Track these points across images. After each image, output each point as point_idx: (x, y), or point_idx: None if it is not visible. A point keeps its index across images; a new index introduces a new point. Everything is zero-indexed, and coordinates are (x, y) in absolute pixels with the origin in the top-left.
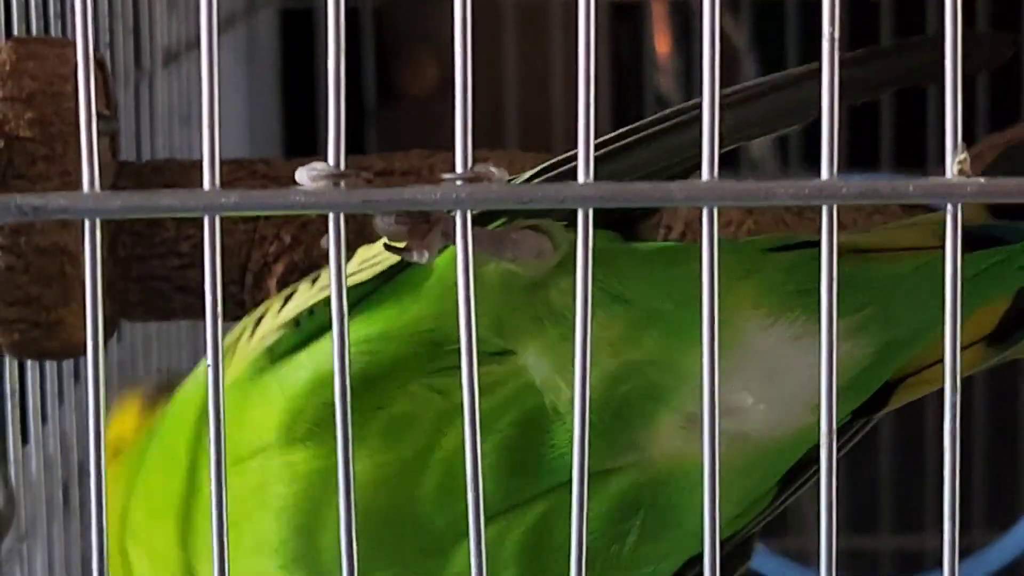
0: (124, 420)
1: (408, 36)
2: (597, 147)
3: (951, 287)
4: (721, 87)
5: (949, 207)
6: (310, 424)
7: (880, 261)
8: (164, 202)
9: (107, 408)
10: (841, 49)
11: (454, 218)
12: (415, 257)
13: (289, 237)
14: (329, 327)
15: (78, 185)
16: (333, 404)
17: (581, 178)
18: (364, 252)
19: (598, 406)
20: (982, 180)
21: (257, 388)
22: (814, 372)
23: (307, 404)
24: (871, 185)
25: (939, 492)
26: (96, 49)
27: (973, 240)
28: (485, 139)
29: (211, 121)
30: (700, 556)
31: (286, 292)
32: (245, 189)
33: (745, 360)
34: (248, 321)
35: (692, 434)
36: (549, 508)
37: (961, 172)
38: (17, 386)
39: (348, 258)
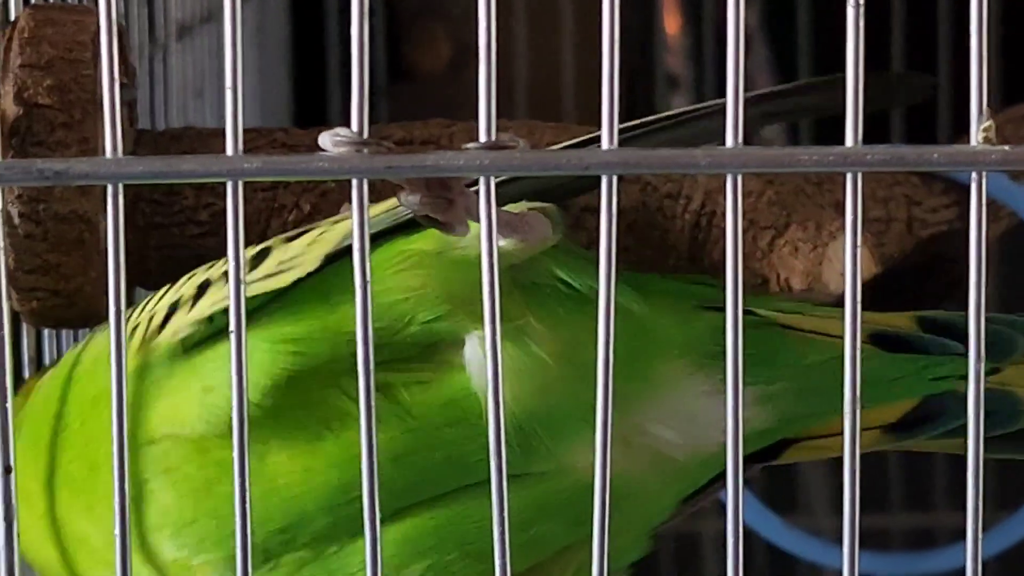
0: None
1: (419, 13)
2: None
3: (975, 254)
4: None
5: (973, 175)
6: (227, 417)
7: (801, 342)
8: (187, 167)
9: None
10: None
11: (476, 194)
12: (457, 232)
13: (308, 206)
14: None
15: (97, 153)
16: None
17: (605, 144)
18: (281, 254)
19: (530, 416)
20: (1007, 148)
21: (171, 377)
22: (722, 425)
23: (225, 398)
24: (896, 152)
25: (949, 471)
26: None
27: (899, 344)
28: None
29: (235, 85)
30: None
31: (199, 279)
32: (278, 147)
33: (664, 399)
34: (158, 307)
35: (620, 450)
36: (464, 506)
37: (987, 140)
38: (35, 354)
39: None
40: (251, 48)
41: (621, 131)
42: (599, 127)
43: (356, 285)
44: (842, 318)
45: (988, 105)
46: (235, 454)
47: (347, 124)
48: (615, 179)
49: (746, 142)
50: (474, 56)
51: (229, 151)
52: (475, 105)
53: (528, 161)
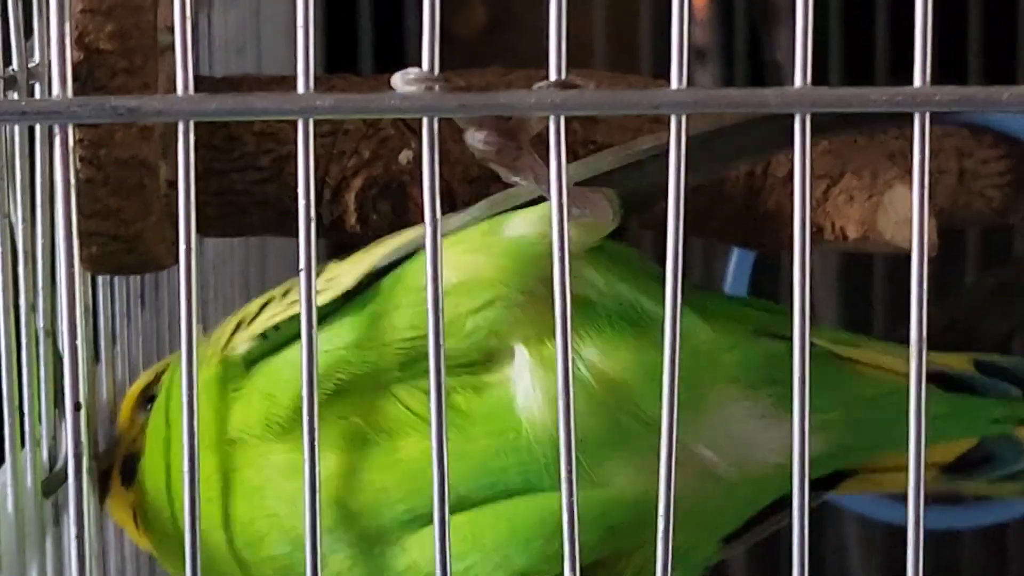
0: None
1: None
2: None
3: None
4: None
5: None
6: (283, 422)
7: (857, 375)
8: (259, 105)
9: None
10: None
11: (545, 137)
12: (521, 178)
13: (368, 152)
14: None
15: None
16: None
17: (675, 84)
18: (332, 270)
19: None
20: None
21: (237, 387)
22: (774, 445)
23: (282, 405)
24: (965, 92)
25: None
26: None
27: (956, 384)
28: (572, 62)
29: (305, 24)
30: None
31: (262, 300)
32: (339, 93)
33: (714, 421)
34: (228, 325)
35: (644, 472)
36: (486, 512)
37: None
38: (90, 303)
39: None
40: (282, 4)
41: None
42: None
43: (427, 232)
44: (902, 355)
45: None
46: (305, 454)
47: None
48: (684, 119)
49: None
50: (510, 21)
51: (300, 89)
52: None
53: (599, 100)
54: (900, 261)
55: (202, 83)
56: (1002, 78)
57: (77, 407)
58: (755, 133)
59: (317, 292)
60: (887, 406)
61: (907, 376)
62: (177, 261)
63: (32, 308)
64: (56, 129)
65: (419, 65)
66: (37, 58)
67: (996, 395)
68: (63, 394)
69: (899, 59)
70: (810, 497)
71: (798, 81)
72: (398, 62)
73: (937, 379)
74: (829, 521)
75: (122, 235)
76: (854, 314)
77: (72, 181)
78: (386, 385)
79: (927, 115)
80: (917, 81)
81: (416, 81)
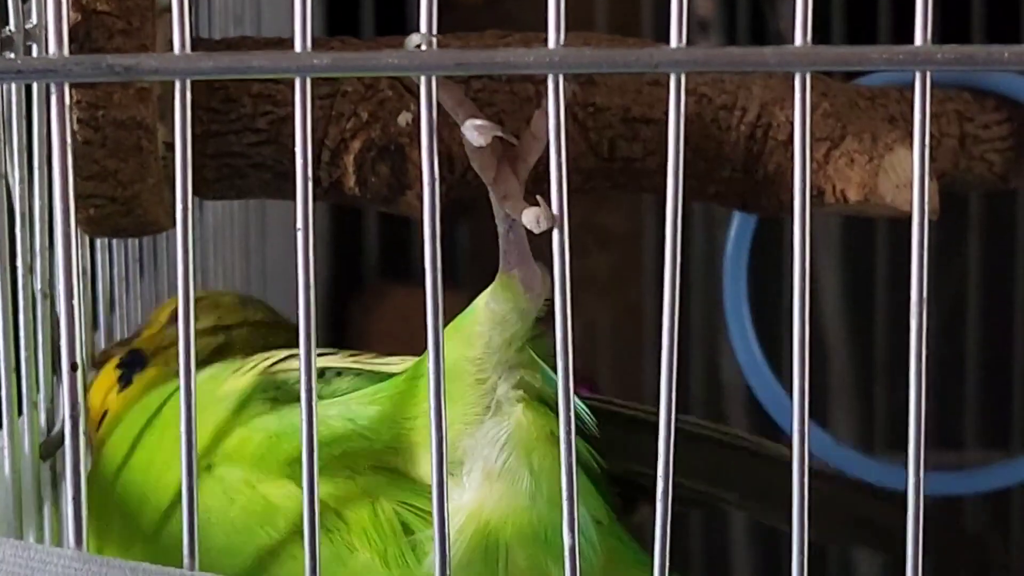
0: (102, 383)
1: None
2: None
3: None
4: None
5: None
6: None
7: None
8: (256, 63)
9: (194, 279)
10: None
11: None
12: (495, 201)
13: (367, 114)
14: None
15: None
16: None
17: (674, 43)
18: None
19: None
20: None
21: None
22: None
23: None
24: (965, 51)
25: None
26: None
27: None
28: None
29: None
30: None
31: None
32: (337, 51)
33: None
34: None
35: None
36: None
37: None
38: (88, 266)
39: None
40: None
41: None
42: None
43: (425, 192)
44: None
45: None
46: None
47: None
48: (683, 77)
49: None
50: None
51: (298, 47)
52: None
53: (599, 59)
54: (903, 232)
55: (200, 44)
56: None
57: (74, 367)
58: None
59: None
60: None
61: None
62: (175, 224)
63: (29, 270)
64: (52, 88)
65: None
66: (35, 20)
67: None
68: (61, 357)
69: (902, 29)
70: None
71: (798, 40)
72: (399, 31)
73: None
74: None
75: (119, 197)
76: (856, 282)
77: (69, 142)
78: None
79: (928, 74)
80: (918, 40)
81: (413, 41)
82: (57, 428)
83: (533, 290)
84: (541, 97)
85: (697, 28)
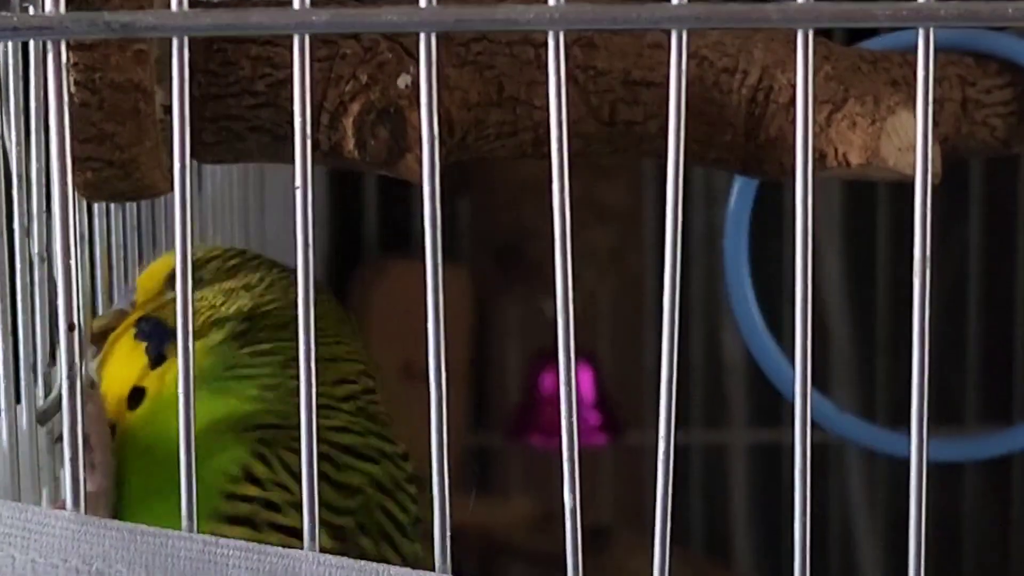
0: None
1: None
2: None
3: None
4: None
5: None
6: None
7: None
8: (254, 19)
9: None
10: None
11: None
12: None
13: (366, 76)
14: None
15: None
16: None
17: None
18: None
19: None
20: None
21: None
22: None
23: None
24: (970, 7)
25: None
26: None
27: None
28: None
29: None
30: None
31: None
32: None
33: None
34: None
35: None
36: None
37: None
38: (86, 231)
39: None
40: None
41: None
42: None
43: (424, 157)
44: None
45: None
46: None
47: None
48: (685, 34)
49: None
50: None
51: (296, 4)
52: None
53: (599, 15)
54: (904, 205)
55: (197, 3)
56: None
57: (71, 327)
58: None
59: None
60: None
61: None
62: (173, 188)
63: (27, 234)
64: (49, 46)
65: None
66: None
67: None
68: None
69: None
70: None
71: None
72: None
73: None
74: (831, 465)
75: (117, 160)
76: (857, 257)
77: (66, 104)
78: None
79: (931, 31)
80: None
81: None
82: (55, 393)
83: None
84: (541, 60)
85: None
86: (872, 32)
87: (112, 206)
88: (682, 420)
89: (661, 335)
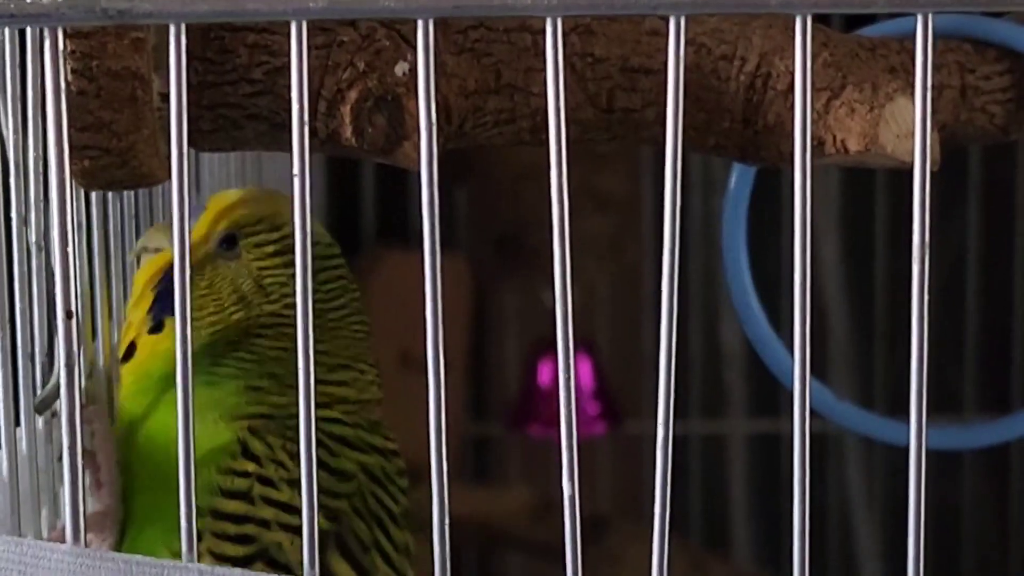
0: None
1: None
2: None
3: None
4: None
5: None
6: None
7: None
8: (251, 6)
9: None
10: None
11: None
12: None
13: (363, 64)
14: None
15: None
16: None
17: None
18: None
19: None
20: None
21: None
22: None
23: None
24: None
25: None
26: None
27: None
28: None
29: None
30: None
31: None
32: None
33: None
34: None
35: None
36: None
37: None
38: (84, 220)
39: None
40: None
41: None
42: None
43: (422, 143)
44: None
45: None
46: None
47: None
48: (683, 20)
49: None
50: None
51: None
52: None
53: (597, 1)
54: (902, 195)
55: None
56: None
57: (69, 315)
58: None
59: None
60: None
61: None
62: (170, 176)
63: (24, 222)
64: (46, 33)
65: None
66: None
67: None
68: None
69: None
70: None
71: None
72: None
73: None
74: (830, 454)
75: (114, 148)
76: (856, 236)
77: (63, 91)
78: None
79: (930, 17)
80: None
81: None
82: (52, 381)
83: None
84: (539, 47)
85: None
86: (870, 19)
87: (109, 194)
88: (681, 409)
89: (660, 324)
